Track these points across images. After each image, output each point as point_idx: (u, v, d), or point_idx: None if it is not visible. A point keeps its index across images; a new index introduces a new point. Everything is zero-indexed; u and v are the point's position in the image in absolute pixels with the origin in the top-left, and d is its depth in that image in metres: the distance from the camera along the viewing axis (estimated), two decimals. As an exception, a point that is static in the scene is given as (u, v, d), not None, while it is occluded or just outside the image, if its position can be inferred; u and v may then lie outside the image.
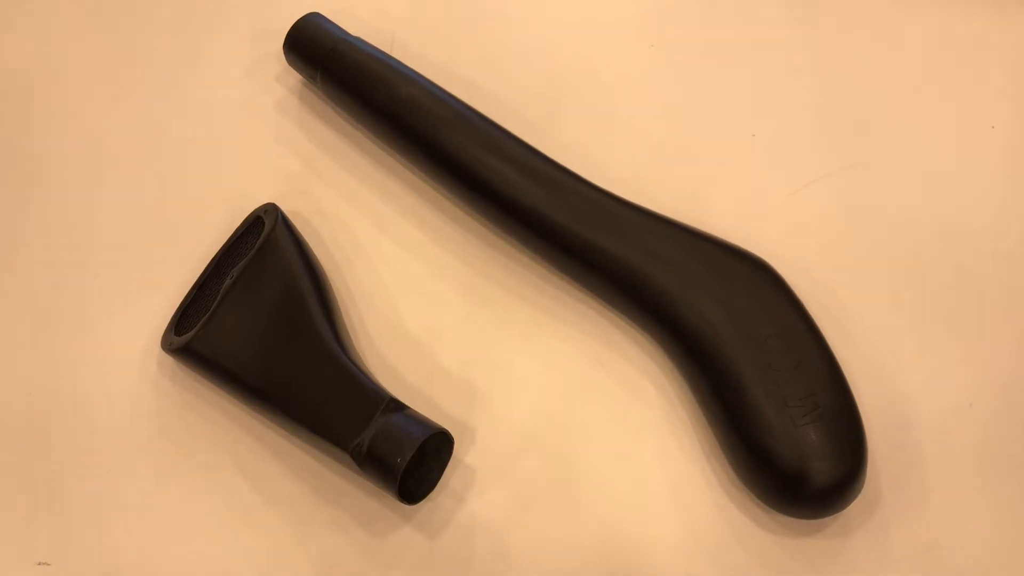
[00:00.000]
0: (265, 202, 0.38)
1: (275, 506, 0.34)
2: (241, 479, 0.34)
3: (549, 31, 0.43)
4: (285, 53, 0.41)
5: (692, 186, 0.39)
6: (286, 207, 0.37)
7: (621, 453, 0.34)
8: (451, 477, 0.34)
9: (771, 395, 0.32)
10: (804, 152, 0.40)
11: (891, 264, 0.37)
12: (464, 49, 0.43)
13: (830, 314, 0.35)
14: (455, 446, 0.33)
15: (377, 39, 0.41)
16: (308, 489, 0.34)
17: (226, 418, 0.35)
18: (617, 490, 0.33)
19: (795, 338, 0.33)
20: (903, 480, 0.33)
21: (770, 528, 0.33)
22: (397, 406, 0.32)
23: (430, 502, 0.33)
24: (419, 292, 0.37)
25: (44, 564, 0.33)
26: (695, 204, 0.38)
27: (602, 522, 0.33)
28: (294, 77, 0.42)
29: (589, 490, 0.33)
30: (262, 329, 0.34)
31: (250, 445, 0.35)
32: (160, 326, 0.36)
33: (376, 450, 0.30)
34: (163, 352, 0.35)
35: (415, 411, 0.32)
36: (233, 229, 0.37)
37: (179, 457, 0.34)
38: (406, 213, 0.39)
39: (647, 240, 0.35)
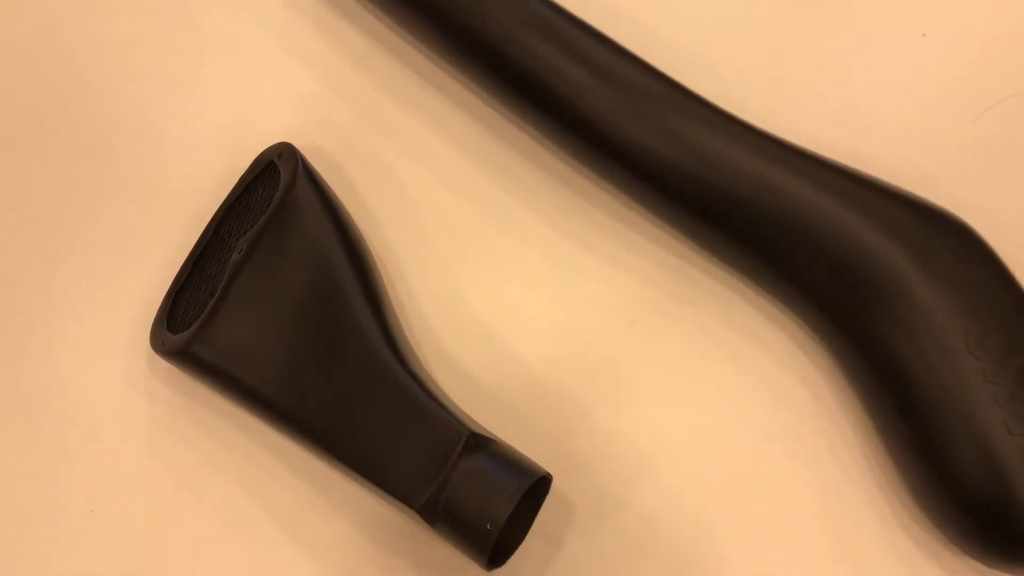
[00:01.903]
0: (277, 141, 0.29)
1: (312, 552, 0.26)
2: (266, 517, 0.26)
3: None
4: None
5: (838, 105, 0.29)
6: (305, 145, 0.29)
7: (765, 479, 0.26)
8: (544, 513, 0.25)
9: (986, 416, 0.24)
10: (993, 59, 0.29)
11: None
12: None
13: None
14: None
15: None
16: (354, 530, 0.26)
17: (244, 435, 0.27)
18: (760, 528, 0.26)
19: (1017, 336, 0.24)
20: None
21: (964, 579, 0.25)
22: (479, 442, 0.23)
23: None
24: (491, 262, 0.29)
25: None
26: (842, 131, 0.29)
27: (741, 571, 0.25)
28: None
29: (724, 529, 0.26)
30: (285, 326, 0.25)
31: (277, 473, 0.27)
32: (147, 313, 0.27)
33: (457, 510, 0.22)
34: (154, 352, 0.26)
35: (502, 444, 0.23)
36: (235, 179, 0.28)
37: (184, 489, 0.27)
38: (471, 151, 0.29)
39: (799, 188, 0.26)
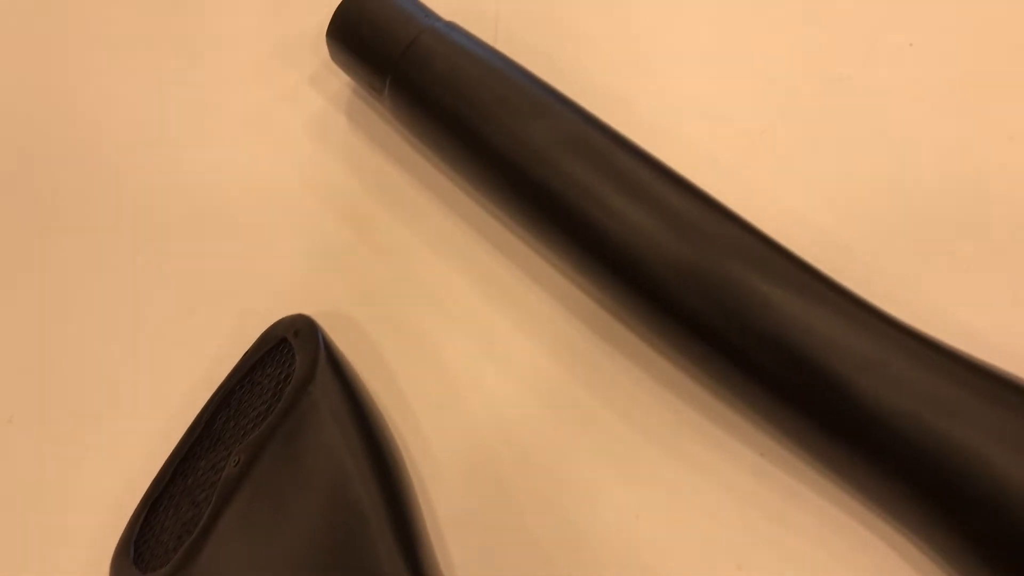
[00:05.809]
0: (293, 312, 0.23)
1: None
2: None
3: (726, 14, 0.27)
4: (329, 44, 0.25)
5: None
6: (328, 315, 0.23)
7: None
8: None
9: None
10: None
11: None
12: (608, 44, 0.27)
13: None
14: None
15: (478, 25, 0.25)
16: None
17: None
18: None
19: None
20: None
21: None
22: None
23: None
24: (565, 483, 0.22)
25: None
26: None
27: None
28: (340, 80, 0.26)
29: None
30: (291, 571, 0.18)
31: None
32: (110, 529, 0.21)
33: None
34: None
35: None
36: (235, 357, 0.23)
37: None
38: (543, 331, 0.24)
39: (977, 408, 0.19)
